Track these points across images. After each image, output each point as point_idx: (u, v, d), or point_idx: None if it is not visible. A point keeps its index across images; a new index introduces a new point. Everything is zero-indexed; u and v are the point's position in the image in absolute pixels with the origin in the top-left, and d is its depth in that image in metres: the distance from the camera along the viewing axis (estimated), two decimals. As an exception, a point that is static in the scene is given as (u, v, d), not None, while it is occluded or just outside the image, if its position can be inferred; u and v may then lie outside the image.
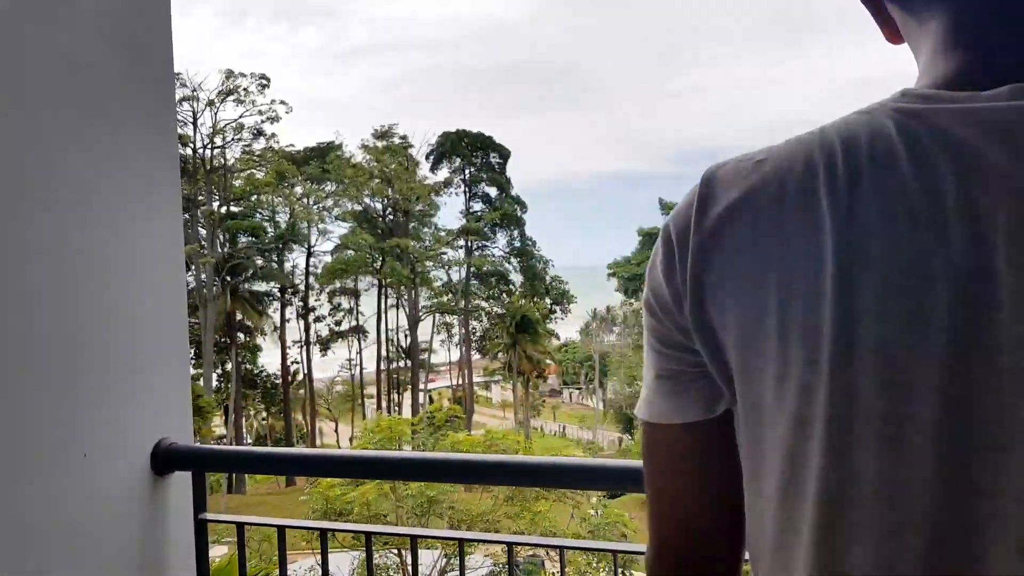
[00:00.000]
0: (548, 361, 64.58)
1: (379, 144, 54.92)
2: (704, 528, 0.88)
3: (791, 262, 0.68)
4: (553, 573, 18.09)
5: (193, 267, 44.16)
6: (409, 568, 16.20)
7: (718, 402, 0.82)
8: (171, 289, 1.74)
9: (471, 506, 17.61)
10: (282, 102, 42.34)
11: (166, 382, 1.77)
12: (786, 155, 0.72)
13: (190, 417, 1.86)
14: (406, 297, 55.22)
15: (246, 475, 50.90)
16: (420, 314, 56.96)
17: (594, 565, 17.53)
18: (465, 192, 62.96)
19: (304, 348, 54.52)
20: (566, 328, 78.43)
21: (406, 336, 57.96)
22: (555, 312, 66.23)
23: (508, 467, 1.64)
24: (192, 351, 52.21)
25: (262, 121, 42.36)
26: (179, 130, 41.55)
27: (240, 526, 2.28)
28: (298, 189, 51.33)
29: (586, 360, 75.74)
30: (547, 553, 18.31)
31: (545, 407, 78.68)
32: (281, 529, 2.14)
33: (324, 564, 2.10)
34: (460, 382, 65.40)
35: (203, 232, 44.81)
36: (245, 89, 41.20)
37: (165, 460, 1.74)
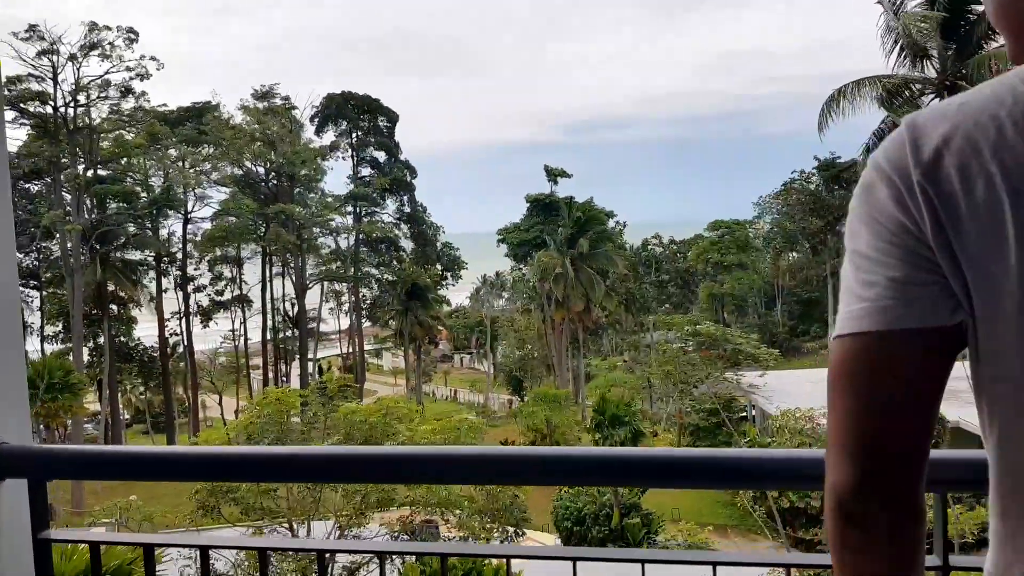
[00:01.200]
0: (439, 327, 64.70)
1: (260, 105, 52.61)
2: (920, 453, 0.88)
3: (1018, 171, 0.78)
4: (448, 537, 18.45)
5: (57, 235, 41.20)
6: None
7: (956, 311, 0.84)
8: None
9: (365, 475, 17.65)
10: (152, 58, 39.78)
11: None
12: (989, 93, 0.82)
13: (26, 415, 1.63)
14: (292, 265, 53.65)
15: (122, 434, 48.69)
16: (308, 282, 55.51)
17: (486, 527, 18.01)
18: (353, 156, 61.51)
19: (183, 319, 52.02)
20: (457, 294, 78.69)
21: (293, 305, 56.42)
22: (446, 279, 66.25)
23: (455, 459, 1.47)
24: (60, 324, 49.00)
25: (131, 78, 39.72)
26: (38, 86, 38.45)
27: (95, 546, 1.83)
28: (172, 152, 48.61)
29: (476, 325, 76.38)
30: (443, 518, 18.65)
31: (437, 373, 78.92)
32: (149, 548, 1.73)
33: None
34: (351, 350, 64.52)
35: (68, 197, 41.77)
36: (111, 43, 38.41)
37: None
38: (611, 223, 63.54)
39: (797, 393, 32.55)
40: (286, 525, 16.42)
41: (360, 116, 61.53)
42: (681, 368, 35.54)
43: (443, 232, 66.25)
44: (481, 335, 71.64)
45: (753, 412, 35.05)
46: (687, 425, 33.60)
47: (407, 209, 63.17)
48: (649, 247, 78.64)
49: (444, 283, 65.98)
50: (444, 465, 1.45)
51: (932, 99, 22.70)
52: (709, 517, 28.75)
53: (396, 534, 17.47)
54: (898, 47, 22.45)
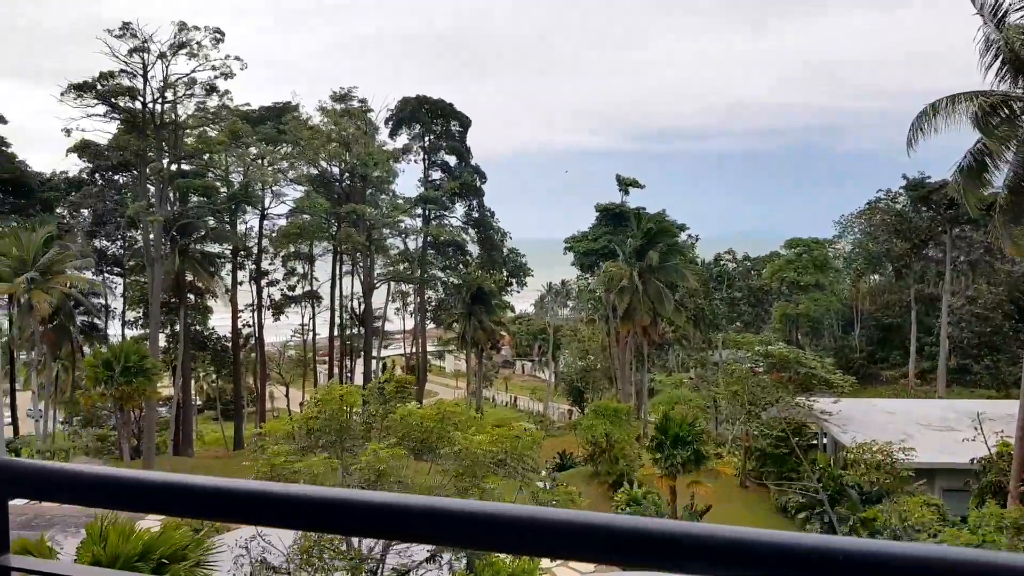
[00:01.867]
0: (502, 333, 64.65)
1: (337, 107, 53.63)
2: None
3: None
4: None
5: (141, 225, 42.74)
6: (355, 541, 16.05)
7: None
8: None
9: (420, 479, 17.49)
10: (237, 58, 40.87)
11: None
12: None
13: None
14: (361, 264, 54.44)
15: (193, 434, 50.24)
16: (375, 282, 56.24)
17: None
18: (424, 160, 62.11)
19: (256, 312, 53.52)
20: (521, 301, 78.56)
21: (360, 303, 57.28)
22: (511, 284, 66.14)
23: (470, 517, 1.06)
24: (140, 311, 50.88)
25: (215, 77, 40.94)
26: (128, 82, 39.94)
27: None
28: (252, 150, 49.92)
29: (540, 333, 76.04)
30: (494, 527, 18.38)
31: (498, 378, 79.02)
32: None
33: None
34: (414, 351, 65.08)
35: (152, 189, 43.32)
36: (198, 43, 39.65)
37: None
38: (682, 236, 62.39)
39: (873, 423, 31.08)
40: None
41: (433, 120, 62.09)
42: (750, 390, 34.36)
43: (509, 238, 66.17)
44: (543, 343, 71.22)
45: (824, 440, 33.62)
46: (753, 449, 32.43)
47: (475, 214, 63.37)
48: (721, 262, 76.76)
49: (509, 289, 65.88)
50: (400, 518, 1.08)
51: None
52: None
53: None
54: (998, 62, 21.13)
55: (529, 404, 67.38)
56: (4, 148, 45.40)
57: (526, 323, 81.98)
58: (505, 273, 64.78)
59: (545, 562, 19.48)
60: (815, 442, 33.10)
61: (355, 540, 16.25)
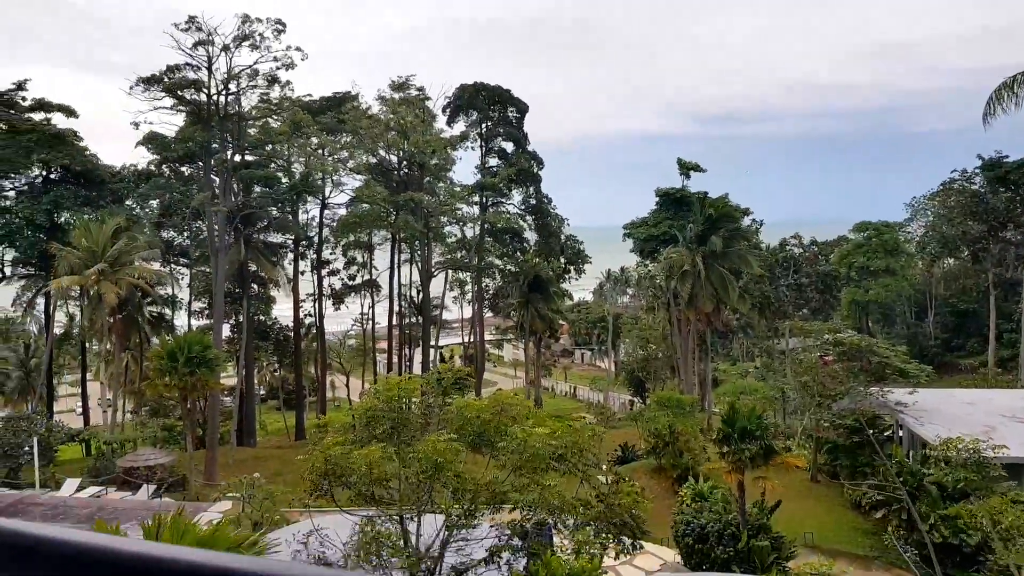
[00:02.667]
0: (561, 321, 63.99)
1: (396, 96, 53.59)
2: None
3: None
4: (561, 546, 17.61)
5: (205, 216, 43.49)
6: (413, 538, 15.73)
7: None
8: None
9: (479, 472, 17.08)
10: (298, 48, 41.01)
11: None
12: None
13: None
14: (419, 252, 54.46)
15: (256, 424, 51.15)
16: (433, 270, 56.23)
17: (601, 539, 17.04)
18: (481, 147, 61.69)
19: (317, 301, 54.14)
20: (580, 288, 77.69)
21: (419, 292, 57.43)
22: (569, 272, 65.33)
23: None
24: (206, 301, 51.93)
25: (277, 68, 41.21)
26: (194, 75, 40.46)
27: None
28: (314, 140, 50.26)
29: (599, 321, 75.08)
30: (555, 524, 17.83)
31: (557, 367, 78.47)
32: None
33: None
34: (472, 340, 65.07)
35: (216, 180, 43.98)
36: (261, 35, 39.91)
37: None
38: (746, 221, 60.53)
39: (952, 415, 29.50)
40: (396, 516, 16.11)
41: (490, 107, 61.58)
42: (819, 379, 33.02)
43: (567, 224, 65.28)
44: (603, 332, 70.31)
45: (900, 433, 32.06)
46: (824, 442, 31.12)
47: (532, 200, 62.72)
48: (787, 247, 74.32)
49: (567, 277, 65.08)
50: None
51: None
52: (848, 545, 26.47)
53: (507, 536, 16.82)
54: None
55: (589, 394, 66.65)
56: (76, 141, 46.74)
57: (585, 311, 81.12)
58: (563, 260, 64.01)
59: (608, 561, 18.88)
60: (890, 434, 31.55)
61: (413, 537, 15.94)
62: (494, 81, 62.37)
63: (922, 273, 69.48)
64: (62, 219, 46.23)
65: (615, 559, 17.63)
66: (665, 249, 53.54)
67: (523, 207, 62.91)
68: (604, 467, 25.35)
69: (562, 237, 64.16)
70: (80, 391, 53.28)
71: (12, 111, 45.44)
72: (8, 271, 47.88)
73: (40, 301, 49.00)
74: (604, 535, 17.17)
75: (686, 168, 58.91)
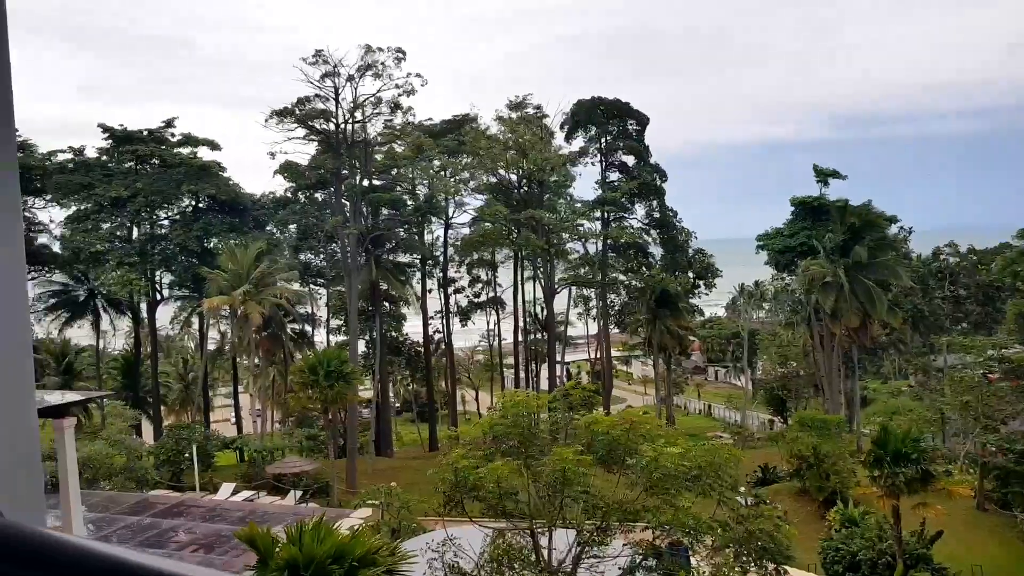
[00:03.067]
0: (691, 337, 61.94)
1: (513, 115, 54.16)
2: None
3: None
4: (698, 568, 16.67)
5: (338, 239, 45.38)
6: (544, 552, 15.29)
7: None
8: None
9: (608, 491, 16.44)
10: (417, 75, 42.27)
11: None
12: None
13: (39, 475, 0.93)
14: (542, 269, 54.46)
15: (392, 435, 52.68)
16: (556, 286, 55.99)
17: (740, 562, 15.95)
18: (601, 162, 61.12)
19: (444, 318, 55.23)
20: (710, 304, 75.05)
21: (543, 308, 57.37)
22: (698, 287, 63.27)
23: None
24: (342, 319, 54.17)
25: (399, 95, 42.63)
26: (322, 105, 42.45)
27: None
28: (436, 162, 51.53)
29: (732, 337, 72.17)
30: (691, 545, 16.88)
31: (689, 385, 75.96)
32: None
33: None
34: (598, 356, 64.20)
35: (347, 204, 45.83)
36: (382, 63, 41.39)
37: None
38: (893, 229, 56.58)
39: None
40: (527, 529, 15.74)
41: (609, 121, 61.01)
42: (983, 399, 30.04)
43: (695, 238, 63.32)
44: (737, 348, 67.57)
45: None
46: (992, 467, 28.14)
47: (656, 214, 61.36)
48: (941, 257, 68.79)
49: (696, 291, 63.03)
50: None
51: None
52: (1021, 580, 23.74)
53: (641, 555, 16.05)
54: None
55: (724, 413, 64.05)
56: (221, 172, 50.17)
57: (717, 327, 78.36)
58: (691, 275, 62.11)
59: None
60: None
61: (544, 551, 15.51)
62: (613, 95, 61.80)
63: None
64: (211, 244, 49.62)
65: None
66: (803, 261, 50.80)
67: (647, 221, 61.69)
68: (742, 488, 23.97)
69: (690, 251, 62.35)
70: (233, 402, 56.87)
71: (163, 147, 49.34)
72: (166, 293, 51.87)
73: (195, 320, 52.79)
74: (744, 558, 16.12)
75: (823, 175, 55.80)
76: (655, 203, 61.33)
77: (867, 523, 22.93)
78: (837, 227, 47.29)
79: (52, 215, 51.27)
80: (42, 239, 50.85)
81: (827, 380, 48.22)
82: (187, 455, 35.46)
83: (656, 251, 61.66)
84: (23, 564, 0.72)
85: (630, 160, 61.45)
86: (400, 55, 41.61)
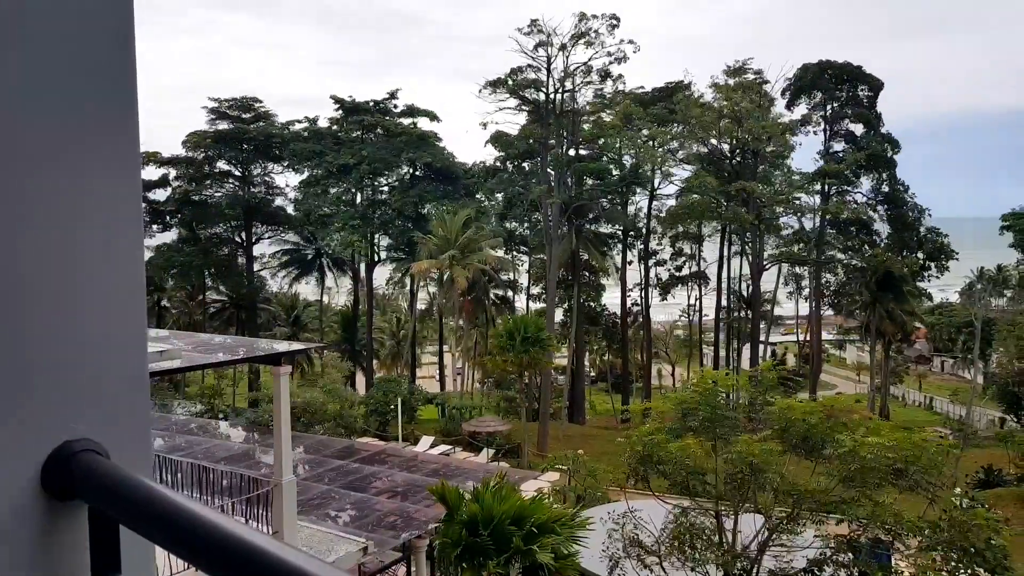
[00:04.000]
0: (916, 324, 56.71)
1: (730, 82, 51.96)
2: None
3: None
4: (901, 567, 15.73)
5: (541, 208, 46.54)
6: (728, 535, 15.17)
7: None
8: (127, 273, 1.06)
9: (802, 478, 15.88)
10: (630, 42, 41.89)
11: (102, 347, 1.06)
12: None
13: (145, 413, 1.01)
14: (750, 244, 52.25)
15: (585, 404, 53.76)
16: (765, 263, 53.52)
17: (948, 568, 14.81)
18: (825, 131, 57.04)
19: (644, 291, 54.91)
20: (943, 288, 68.19)
21: (748, 286, 55.11)
22: (928, 269, 57.58)
23: None
24: (541, 286, 55.80)
25: (610, 63, 42.43)
26: (534, 75, 43.44)
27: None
28: (644, 131, 50.89)
29: (965, 326, 65.11)
30: (893, 544, 15.90)
31: (909, 375, 69.88)
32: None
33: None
34: (807, 338, 60.74)
35: (552, 174, 46.75)
36: (596, 31, 41.40)
37: (62, 478, 0.99)
38: None
39: None
40: (712, 510, 15.66)
41: (837, 86, 56.66)
42: None
43: (928, 215, 57.55)
44: (969, 338, 60.81)
45: None
46: None
47: (885, 188, 56.44)
48: None
49: (926, 274, 57.47)
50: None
51: None
52: None
53: (833, 549, 15.41)
54: None
55: (947, 407, 58.29)
56: (437, 142, 53.13)
57: (948, 314, 71.04)
58: (921, 256, 56.65)
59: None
60: None
61: (728, 534, 15.36)
62: (847, 58, 57.33)
63: None
64: (425, 210, 52.82)
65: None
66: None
67: (873, 196, 56.99)
68: (957, 489, 21.96)
69: (921, 230, 56.90)
70: (438, 361, 60.68)
71: (387, 117, 53.02)
72: (383, 255, 55.98)
73: (407, 281, 56.72)
74: (953, 563, 14.94)
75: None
76: (884, 176, 56.46)
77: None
78: (1107, 205, 40.96)
79: (288, 180, 57.01)
80: (279, 202, 56.36)
81: (1080, 380, 42.22)
82: (393, 407, 37.51)
83: (882, 228, 56.90)
84: (118, 508, 0.93)
85: (858, 129, 56.91)
86: (614, 22, 41.50)
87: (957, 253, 57.61)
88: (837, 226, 56.25)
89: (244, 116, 54.36)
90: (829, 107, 56.52)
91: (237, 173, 55.10)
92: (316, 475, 20.36)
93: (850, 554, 15.24)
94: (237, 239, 55.74)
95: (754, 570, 15.28)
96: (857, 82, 56.19)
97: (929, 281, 59.21)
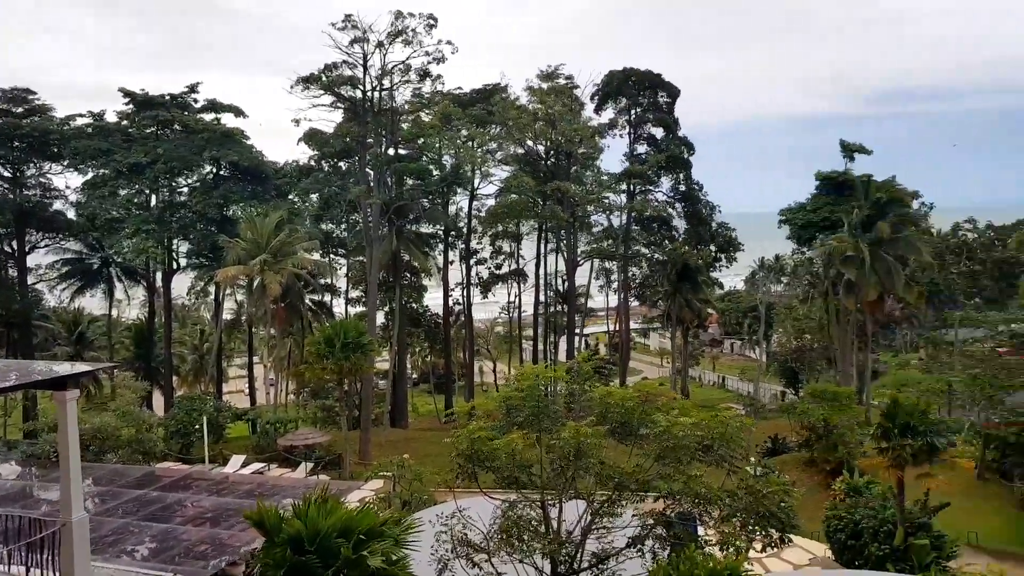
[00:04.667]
0: (710, 311, 62.21)
1: (544, 85, 54.08)
2: None
3: None
4: (706, 536, 17.16)
5: (361, 208, 45.77)
6: (554, 523, 15.82)
7: None
8: None
9: (621, 460, 16.95)
10: (448, 42, 42.22)
11: None
12: None
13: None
14: (565, 241, 54.74)
15: (408, 407, 53.47)
16: (579, 259, 56.30)
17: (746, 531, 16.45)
18: (630, 134, 60.94)
19: (465, 290, 55.76)
20: (731, 277, 75.07)
21: (564, 281, 57.77)
22: (719, 260, 63.39)
23: None
24: (361, 289, 54.82)
25: (428, 62, 42.58)
26: (350, 72, 42.44)
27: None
28: (463, 132, 51.62)
29: (750, 311, 72.28)
30: (700, 517, 17.40)
31: (705, 357, 76.33)
32: None
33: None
34: (617, 329, 64.64)
35: (371, 174, 46.12)
36: (413, 30, 41.26)
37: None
38: (915, 204, 56.19)
39: None
40: (538, 501, 16.26)
41: (640, 92, 60.72)
42: (992, 372, 30.33)
43: (719, 212, 63.31)
44: (754, 321, 67.64)
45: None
46: (993, 438, 28.45)
47: (682, 187, 61.31)
48: (960, 233, 68.47)
49: (717, 265, 63.19)
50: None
51: None
52: (1017, 546, 24.24)
53: (650, 525, 16.59)
54: None
55: (738, 384, 64.51)
56: (244, 140, 50.53)
57: (735, 300, 78.43)
58: (713, 248, 62.20)
59: (754, 553, 18.22)
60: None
61: (554, 522, 16.02)
62: (646, 67, 61.48)
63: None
64: (231, 213, 49.77)
65: (761, 551, 17.00)
66: (824, 236, 50.70)
67: (672, 194, 61.70)
68: (752, 459, 24.44)
69: (713, 224, 62.41)
70: (247, 373, 57.75)
71: (186, 112, 49.64)
72: (183, 262, 52.13)
73: (211, 290, 53.28)
74: (750, 527, 16.58)
75: (850, 150, 55.44)
76: (681, 176, 61.30)
77: (872, 493, 23.43)
78: (862, 202, 47.19)
79: (69, 181, 51.76)
80: (57, 205, 51.34)
81: (840, 353, 48.47)
82: (197, 427, 34.77)
83: (680, 224, 61.77)
84: None
85: (659, 133, 61.31)
86: (431, 22, 41.51)
87: (743, 245, 63.88)
88: (642, 223, 60.32)
89: (15, 110, 48.82)
90: (633, 112, 60.44)
91: (7, 174, 49.37)
92: (109, 509, 18.70)
93: (663, 529, 16.44)
94: (7, 248, 49.91)
95: (578, 554, 16.00)
96: (658, 89, 60.54)
97: (720, 271, 65.18)
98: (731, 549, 15.62)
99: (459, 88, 53.33)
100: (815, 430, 33.08)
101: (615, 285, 64.07)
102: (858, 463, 29.93)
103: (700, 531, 17.27)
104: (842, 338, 48.46)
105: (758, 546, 16.69)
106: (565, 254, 55.21)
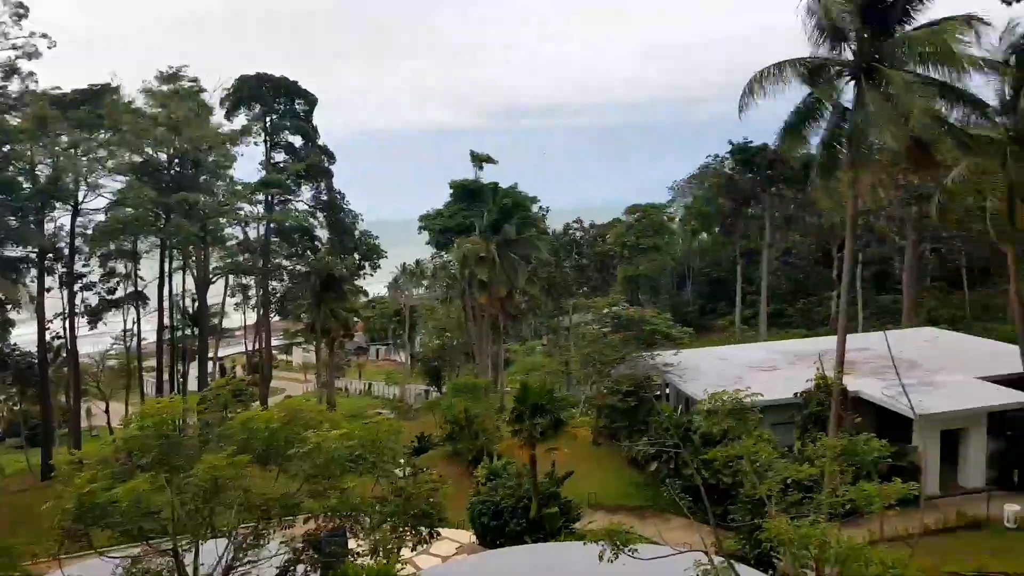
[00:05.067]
0: (355, 319, 62.76)
1: (165, 88, 49.39)
2: None
3: None
4: (358, 547, 17.13)
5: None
6: (189, 569, 14.47)
7: None
8: None
9: (268, 487, 16.09)
10: (43, 35, 36.37)
11: None
12: None
13: None
14: (194, 258, 50.54)
15: None
16: (211, 276, 52.53)
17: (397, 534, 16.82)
18: (266, 142, 58.75)
19: (68, 320, 47.64)
20: (376, 283, 76.67)
21: (194, 301, 53.31)
22: (364, 268, 64.31)
23: None
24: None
25: (17, 57, 36.26)
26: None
27: None
28: (64, 138, 44.79)
29: (395, 315, 74.72)
30: (350, 528, 17.32)
31: (351, 367, 76.66)
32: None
33: None
34: (257, 347, 61.77)
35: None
36: (-2, 19, 34.87)
37: None
38: (534, 208, 63.02)
39: (709, 370, 32.40)
40: (169, 550, 14.70)
41: (276, 99, 58.88)
42: (600, 350, 35.18)
43: (361, 220, 64.23)
44: (399, 326, 70.01)
45: (668, 391, 34.94)
46: (604, 406, 33.12)
47: (324, 197, 60.91)
48: (571, 232, 78.98)
49: (362, 273, 64.02)
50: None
51: (849, 81, 22.62)
52: (627, 499, 28.43)
53: (301, 548, 16.07)
54: (818, 29, 22.29)
55: (384, 389, 65.95)
56: None
57: (380, 306, 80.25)
58: (357, 257, 62.86)
59: (406, 553, 18.72)
60: (658, 393, 34.19)
61: (189, 568, 14.65)
62: (280, 73, 59.78)
63: (683, 248, 77.37)
64: None
65: (412, 551, 17.51)
66: (458, 239, 54.37)
67: (314, 204, 60.91)
68: (402, 460, 25.05)
69: (356, 233, 63.03)
70: None
71: None
72: None
73: None
74: (400, 529, 16.95)
75: (479, 160, 60.01)
76: (323, 185, 60.79)
77: (509, 473, 25.63)
78: (491, 207, 51.67)
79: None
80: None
81: (478, 347, 52.58)
82: None
83: (323, 234, 61.20)
84: None
85: (297, 141, 59.95)
86: (20, 11, 35.55)
87: (386, 252, 65.71)
88: (282, 234, 58.55)
89: None
90: (269, 119, 58.38)
91: None
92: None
93: (313, 551, 16.03)
94: None
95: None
96: (295, 96, 59.23)
97: (365, 279, 66.20)
98: (380, 554, 15.83)
99: (57, 87, 46.34)
100: (458, 422, 35.19)
101: (253, 301, 61.33)
102: (496, 448, 32.56)
103: (352, 544, 17.24)
104: (479, 333, 52.51)
105: (410, 545, 17.19)
106: (195, 272, 51.11)
